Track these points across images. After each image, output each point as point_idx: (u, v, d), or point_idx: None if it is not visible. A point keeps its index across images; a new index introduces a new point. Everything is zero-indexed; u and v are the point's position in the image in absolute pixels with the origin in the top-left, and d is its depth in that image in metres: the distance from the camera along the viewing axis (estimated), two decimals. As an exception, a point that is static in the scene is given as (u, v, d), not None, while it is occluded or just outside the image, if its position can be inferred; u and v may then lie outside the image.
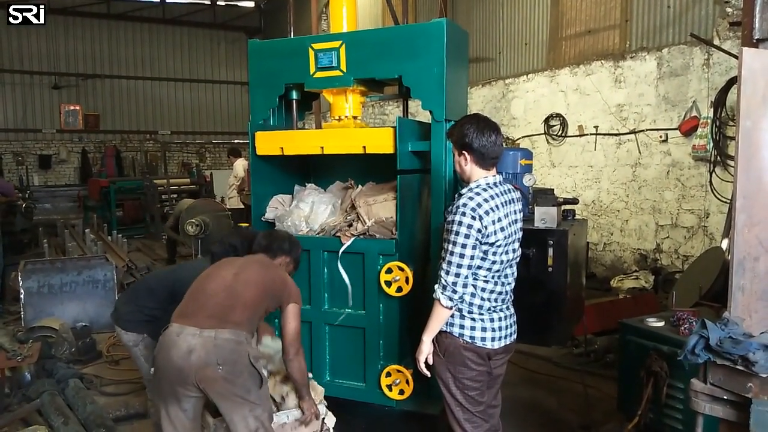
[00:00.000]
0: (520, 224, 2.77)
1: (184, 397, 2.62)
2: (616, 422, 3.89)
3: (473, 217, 2.50)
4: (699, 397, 2.24)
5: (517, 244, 2.75)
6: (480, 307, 2.63)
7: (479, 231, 2.51)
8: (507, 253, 2.65)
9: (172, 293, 3.29)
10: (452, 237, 2.54)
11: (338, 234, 3.75)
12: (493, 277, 2.63)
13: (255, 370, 2.65)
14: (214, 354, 2.55)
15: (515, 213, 2.72)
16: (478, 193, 2.57)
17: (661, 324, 3.53)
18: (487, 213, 2.52)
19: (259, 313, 2.81)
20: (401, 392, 3.62)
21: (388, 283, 3.54)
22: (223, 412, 2.63)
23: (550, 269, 4.01)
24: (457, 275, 2.53)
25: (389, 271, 3.53)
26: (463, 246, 2.51)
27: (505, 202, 2.64)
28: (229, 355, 2.57)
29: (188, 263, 3.56)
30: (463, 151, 2.64)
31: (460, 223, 2.51)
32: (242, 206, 9.17)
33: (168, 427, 2.67)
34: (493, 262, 2.60)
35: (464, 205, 2.53)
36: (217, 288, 2.74)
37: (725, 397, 2.17)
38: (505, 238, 2.59)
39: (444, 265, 2.56)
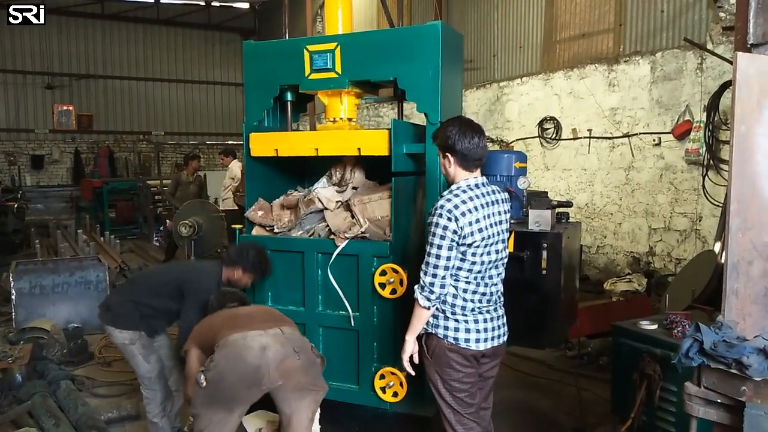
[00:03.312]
0: (505, 225, 2.77)
1: (245, 402, 2.64)
2: (609, 425, 3.89)
3: (449, 219, 2.54)
4: (693, 400, 2.25)
5: (501, 245, 2.75)
6: (463, 308, 2.65)
7: (455, 232, 2.54)
8: (489, 254, 2.66)
9: (179, 292, 3.36)
10: (430, 238, 2.59)
11: (332, 236, 3.74)
12: (475, 278, 2.64)
13: (319, 355, 2.82)
14: (290, 344, 2.62)
15: (499, 214, 2.72)
16: (456, 195, 2.60)
17: (654, 327, 3.54)
18: (463, 214, 2.54)
19: None
20: (395, 394, 3.61)
21: (383, 285, 3.54)
22: (287, 405, 2.67)
23: (543, 272, 4.02)
24: (434, 276, 2.57)
25: (383, 273, 3.53)
26: (439, 247, 2.55)
27: (488, 203, 2.66)
28: (301, 344, 2.68)
29: (193, 264, 3.56)
30: (447, 153, 2.66)
31: (436, 224, 2.56)
32: (236, 208, 9.13)
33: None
34: (473, 263, 2.61)
35: (441, 206, 2.57)
36: (249, 311, 2.86)
37: (719, 401, 2.18)
38: (483, 239, 2.60)
39: (423, 266, 2.62)
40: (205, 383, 2.57)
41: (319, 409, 2.96)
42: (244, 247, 3.64)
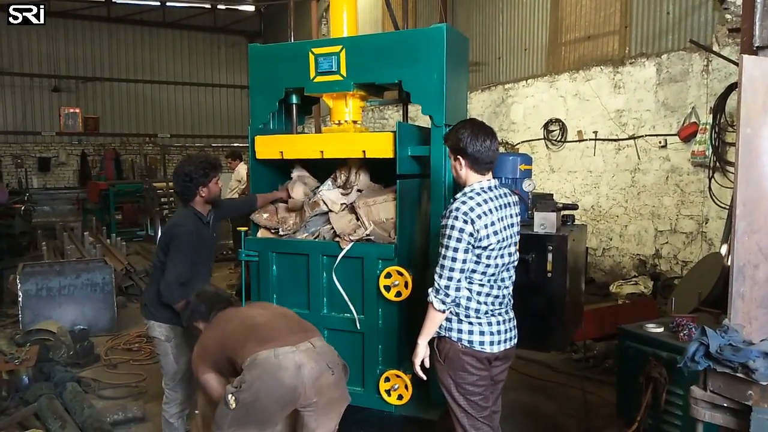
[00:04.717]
0: (516, 228, 2.77)
1: (278, 421, 2.60)
2: (614, 428, 3.88)
3: (465, 221, 2.52)
4: (699, 404, 2.24)
5: (513, 248, 2.74)
6: (477, 311, 2.64)
7: (471, 235, 2.52)
8: (502, 257, 2.65)
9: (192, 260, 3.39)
10: (445, 241, 2.56)
11: (337, 239, 3.75)
12: (488, 281, 2.64)
13: (344, 364, 2.77)
14: (323, 359, 2.58)
15: (511, 217, 2.72)
16: (471, 197, 2.58)
17: (660, 330, 3.53)
18: (479, 217, 2.53)
19: None
20: (400, 397, 3.60)
21: (387, 288, 3.54)
22: (314, 419, 2.62)
23: (549, 274, 4.02)
24: (450, 279, 2.55)
25: (388, 275, 3.52)
26: (455, 250, 2.53)
27: (500, 206, 2.65)
28: (333, 358, 2.65)
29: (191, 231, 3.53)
30: (458, 156, 2.65)
31: (452, 227, 2.54)
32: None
33: None
34: (488, 266, 2.60)
35: (456, 209, 2.55)
36: (267, 319, 2.72)
37: (725, 405, 2.17)
38: (498, 242, 2.60)
39: (437, 269, 2.59)
40: (234, 405, 2.47)
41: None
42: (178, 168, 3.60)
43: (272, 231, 4.02)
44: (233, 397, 2.47)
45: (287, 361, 2.49)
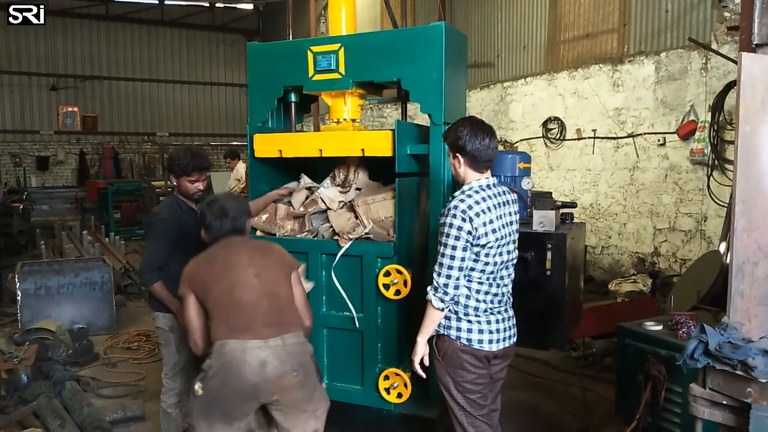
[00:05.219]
0: (515, 226, 2.77)
1: (243, 415, 2.57)
2: (613, 426, 3.88)
3: (463, 219, 2.52)
4: (698, 402, 2.24)
5: (512, 246, 2.74)
6: (476, 309, 2.64)
7: (469, 233, 2.52)
8: (501, 254, 2.65)
9: (174, 246, 3.37)
10: (443, 239, 2.56)
11: (336, 237, 3.74)
12: (487, 279, 2.64)
13: (316, 366, 2.72)
14: (289, 362, 2.55)
15: (510, 215, 2.72)
16: (469, 195, 2.58)
17: (659, 328, 3.53)
18: (477, 215, 2.53)
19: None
20: (399, 395, 3.60)
21: (387, 286, 3.54)
22: (284, 418, 2.62)
23: (548, 273, 4.01)
24: (449, 277, 2.55)
25: (387, 274, 3.52)
26: (454, 248, 2.53)
27: (498, 204, 2.65)
28: (300, 359, 2.60)
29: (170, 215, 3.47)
30: (457, 154, 2.65)
31: (450, 225, 2.54)
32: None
33: None
34: (486, 264, 2.60)
35: (455, 207, 2.55)
36: (253, 297, 2.65)
37: (724, 402, 2.17)
38: (497, 240, 2.60)
39: (436, 267, 2.59)
40: (201, 392, 2.53)
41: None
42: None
43: (270, 234, 4.02)
44: (200, 385, 2.53)
45: (252, 357, 2.50)
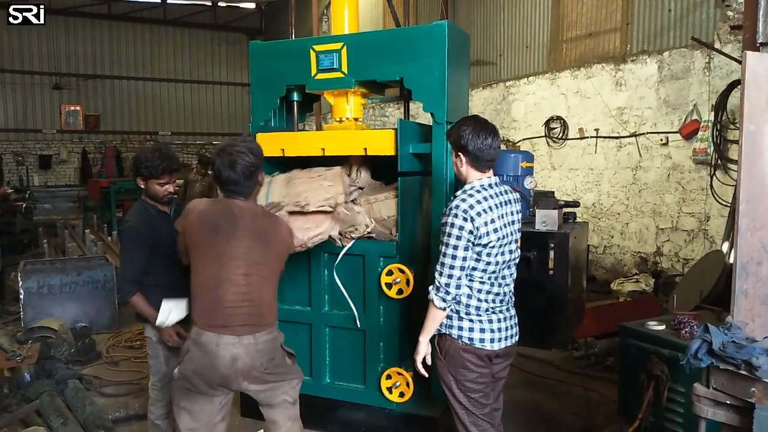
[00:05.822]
0: (517, 225, 2.77)
1: (219, 394, 2.73)
2: (616, 426, 3.87)
3: (465, 219, 2.52)
4: (701, 401, 2.23)
5: (514, 245, 2.74)
6: (477, 308, 2.63)
7: (471, 232, 2.52)
8: (503, 254, 2.65)
9: (150, 253, 3.20)
10: (445, 238, 2.56)
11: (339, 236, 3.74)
12: (489, 278, 2.63)
13: (287, 353, 2.81)
14: (258, 359, 2.65)
15: (512, 214, 2.71)
16: (471, 195, 2.58)
17: (662, 327, 3.52)
18: (479, 214, 2.53)
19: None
20: (401, 395, 3.61)
21: (389, 285, 3.54)
22: (263, 397, 2.76)
23: (551, 272, 4.02)
24: (450, 276, 2.55)
25: (390, 273, 3.53)
26: (455, 247, 2.53)
27: (501, 203, 2.65)
28: (270, 355, 2.70)
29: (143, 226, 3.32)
30: (459, 153, 2.65)
31: (452, 225, 2.53)
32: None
33: (188, 420, 2.72)
34: (488, 263, 2.60)
35: (456, 206, 2.55)
36: (236, 298, 2.67)
37: (728, 402, 2.16)
38: (499, 239, 2.60)
39: (438, 267, 2.59)
40: (178, 376, 2.70)
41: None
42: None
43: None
44: (177, 369, 2.70)
45: (225, 352, 2.60)
